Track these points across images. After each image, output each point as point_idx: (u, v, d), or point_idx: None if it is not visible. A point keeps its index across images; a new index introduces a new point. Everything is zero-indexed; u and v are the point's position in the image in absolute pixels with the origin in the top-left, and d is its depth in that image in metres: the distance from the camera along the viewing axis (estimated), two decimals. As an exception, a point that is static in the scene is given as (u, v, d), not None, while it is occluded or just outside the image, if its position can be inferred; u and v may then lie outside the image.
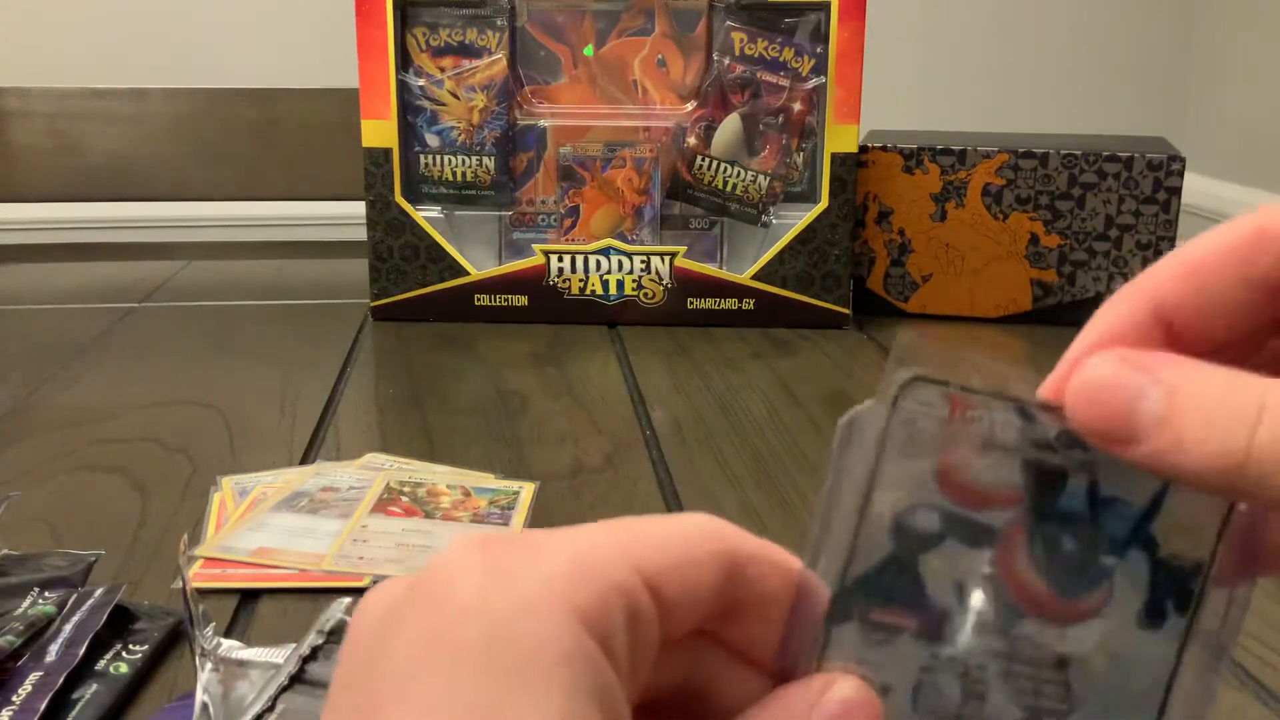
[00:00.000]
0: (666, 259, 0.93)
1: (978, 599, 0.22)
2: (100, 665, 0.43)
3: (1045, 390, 0.23)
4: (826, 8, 0.90)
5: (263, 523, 0.56)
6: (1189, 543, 0.22)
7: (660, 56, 0.93)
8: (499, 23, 0.92)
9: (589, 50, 0.93)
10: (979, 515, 0.22)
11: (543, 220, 0.95)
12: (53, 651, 0.43)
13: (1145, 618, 0.22)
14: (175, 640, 0.46)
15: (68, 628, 0.44)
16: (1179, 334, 0.23)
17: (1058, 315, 0.94)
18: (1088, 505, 0.22)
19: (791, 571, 0.23)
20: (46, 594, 0.46)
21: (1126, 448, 0.21)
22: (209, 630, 0.42)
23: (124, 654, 0.44)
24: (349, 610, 0.44)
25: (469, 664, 0.20)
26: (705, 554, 0.22)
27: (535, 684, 0.19)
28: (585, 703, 0.20)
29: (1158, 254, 0.92)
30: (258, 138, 1.29)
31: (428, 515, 0.57)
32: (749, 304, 0.94)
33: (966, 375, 0.22)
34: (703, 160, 0.93)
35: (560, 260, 0.93)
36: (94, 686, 0.42)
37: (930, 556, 0.22)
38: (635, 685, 0.22)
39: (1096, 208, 0.92)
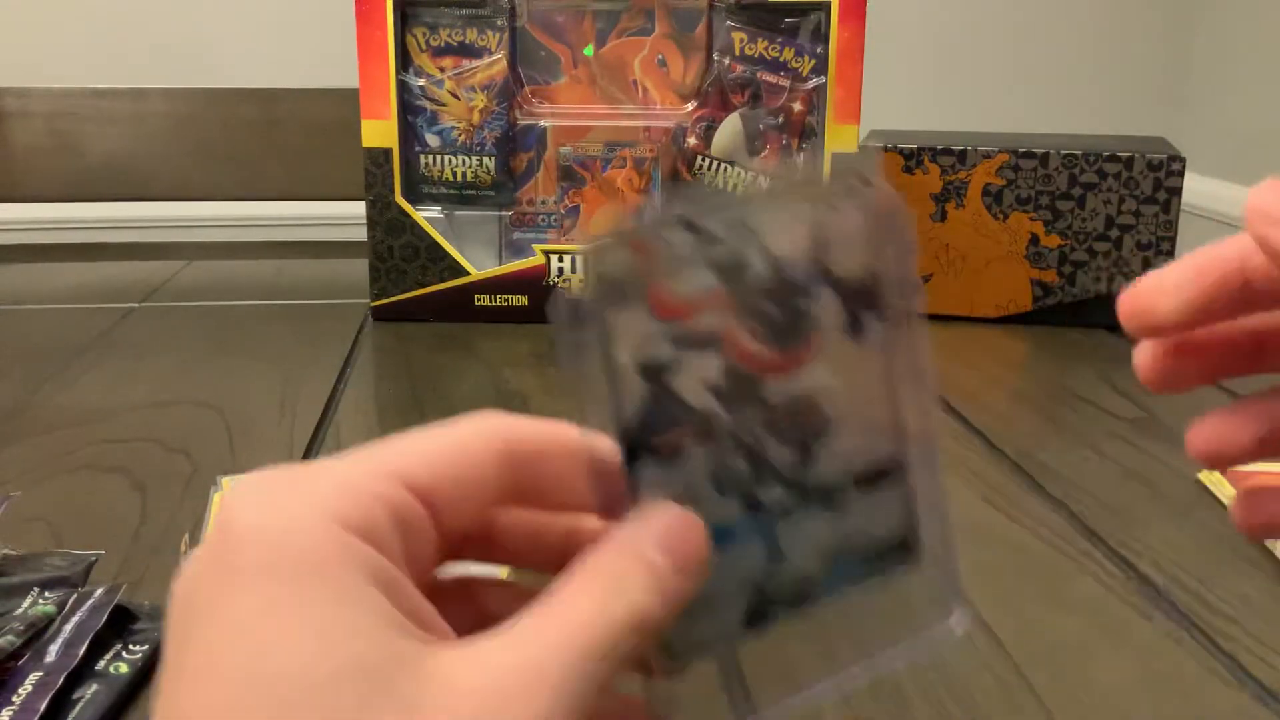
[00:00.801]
0: (666, 259, 0.93)
1: (725, 387, 0.25)
2: (100, 665, 0.43)
3: (1129, 295, 0.28)
4: (826, 8, 0.90)
5: (263, 523, 0.56)
6: (854, 261, 0.26)
7: (660, 56, 0.93)
8: (499, 23, 0.92)
9: (589, 50, 0.93)
10: (697, 324, 0.25)
11: (543, 220, 0.95)
12: (53, 651, 0.43)
13: (850, 331, 0.26)
14: (175, 640, 0.46)
15: (68, 628, 0.44)
16: (1258, 294, 0.28)
17: (1058, 315, 0.94)
18: (771, 271, 0.25)
19: (576, 441, 0.27)
20: (46, 594, 0.46)
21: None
22: (209, 630, 0.42)
23: (124, 654, 0.44)
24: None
25: (254, 578, 0.23)
26: (479, 453, 0.26)
27: (314, 581, 0.23)
28: (362, 585, 0.23)
29: (1158, 254, 0.92)
30: (258, 138, 1.29)
31: (428, 515, 0.57)
32: (749, 304, 0.94)
33: (639, 220, 0.25)
34: (703, 160, 0.93)
35: (560, 260, 0.93)
36: (94, 686, 0.42)
37: (677, 377, 0.25)
38: (422, 574, 0.25)
39: (1097, 208, 0.92)
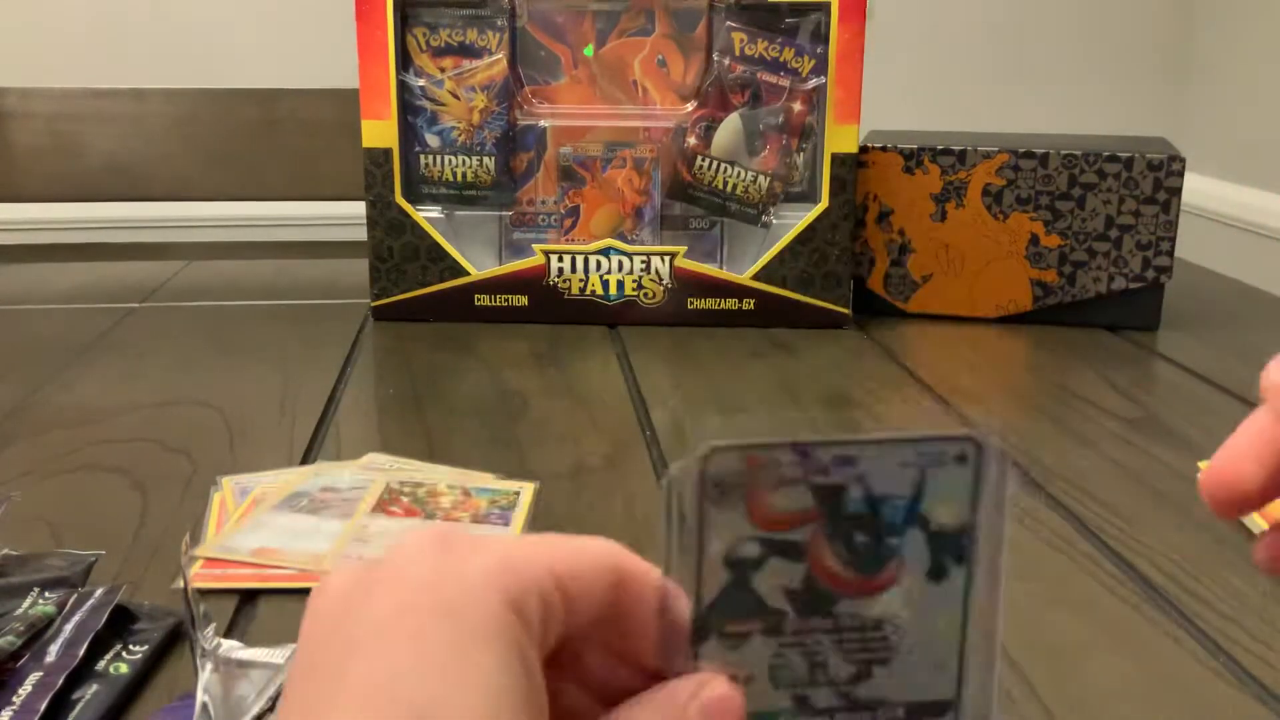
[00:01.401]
0: (666, 259, 0.93)
1: (802, 596, 0.28)
2: (100, 665, 0.43)
3: (1211, 475, 0.30)
4: (826, 8, 0.90)
5: (263, 523, 0.56)
6: (950, 513, 0.28)
7: (660, 56, 0.93)
8: (499, 23, 0.92)
9: (589, 50, 0.93)
10: (788, 535, 0.27)
11: (543, 220, 0.95)
12: (53, 652, 0.43)
13: (932, 575, 0.28)
14: (175, 640, 0.46)
15: (68, 628, 0.44)
16: None
17: (1058, 315, 0.94)
18: (867, 506, 0.28)
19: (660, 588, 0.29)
20: (47, 594, 0.46)
21: None
22: (209, 631, 0.42)
23: (124, 654, 0.44)
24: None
25: (427, 629, 0.25)
26: (601, 567, 0.28)
27: (482, 644, 0.25)
28: (516, 665, 0.25)
29: (1158, 254, 0.92)
30: (258, 138, 1.29)
31: (428, 516, 0.57)
32: (749, 304, 0.94)
33: (754, 434, 0.27)
34: (703, 160, 0.93)
35: (560, 260, 0.93)
36: (94, 687, 0.42)
37: (759, 575, 0.28)
38: (545, 654, 0.27)
39: (1096, 208, 0.92)
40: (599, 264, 0.93)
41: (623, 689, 0.28)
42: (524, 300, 0.94)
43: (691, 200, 0.94)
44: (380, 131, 0.92)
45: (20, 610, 0.45)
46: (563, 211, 0.94)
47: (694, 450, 0.27)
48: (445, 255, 0.93)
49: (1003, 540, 0.29)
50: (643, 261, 0.93)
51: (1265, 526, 0.58)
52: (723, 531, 0.27)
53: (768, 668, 0.28)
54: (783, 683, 0.28)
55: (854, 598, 0.28)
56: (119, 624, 0.46)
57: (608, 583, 0.28)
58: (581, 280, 0.93)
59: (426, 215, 0.94)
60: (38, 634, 0.44)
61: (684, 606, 0.27)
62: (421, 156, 0.93)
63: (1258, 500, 0.29)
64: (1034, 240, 0.93)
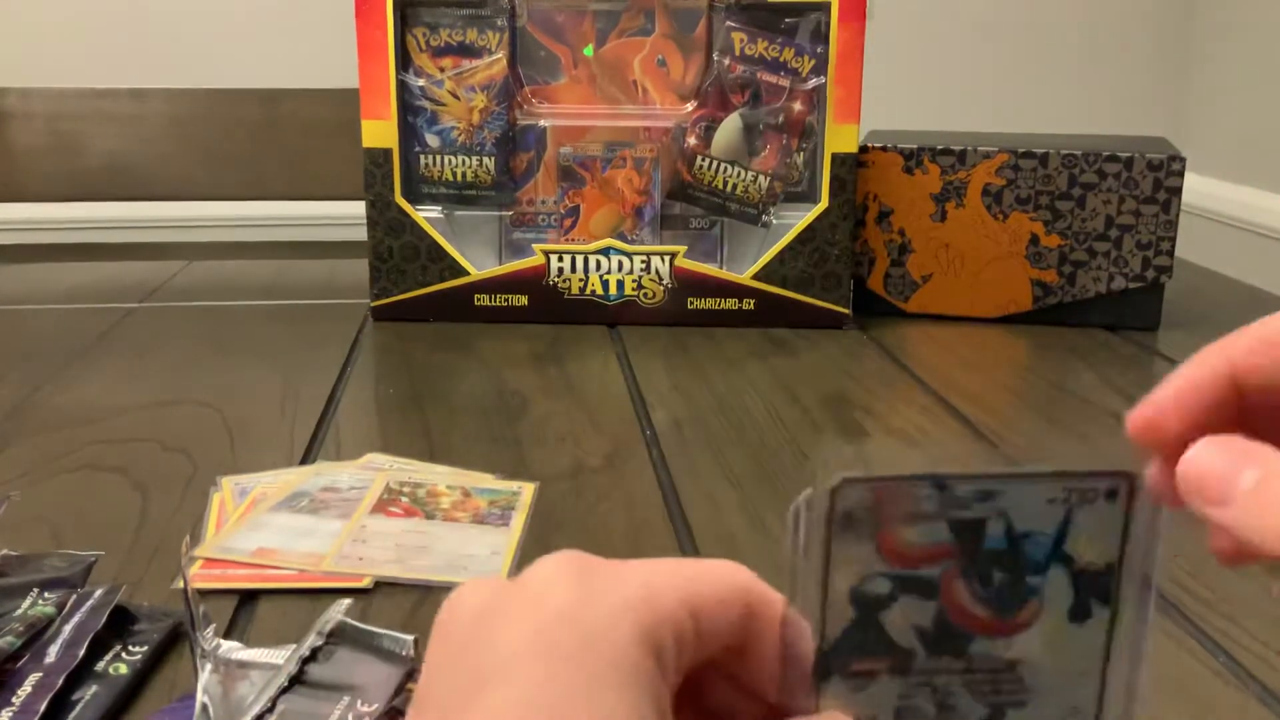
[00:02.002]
0: (666, 259, 0.93)
1: (934, 635, 0.27)
2: (100, 666, 0.43)
3: (1137, 417, 0.28)
4: (826, 8, 0.90)
5: (263, 523, 0.56)
6: (1096, 551, 0.27)
7: (660, 56, 0.93)
8: (499, 23, 0.92)
9: (589, 50, 0.93)
10: (919, 571, 0.26)
11: (543, 220, 0.95)
12: (52, 652, 0.43)
13: (1074, 616, 0.27)
14: (175, 641, 0.46)
15: (67, 628, 0.44)
16: (1246, 399, 0.27)
17: (1058, 315, 0.94)
18: (1007, 543, 0.26)
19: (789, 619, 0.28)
20: (46, 594, 0.46)
21: (1218, 509, 0.26)
22: (209, 631, 0.42)
23: (124, 655, 0.44)
24: (348, 612, 0.44)
25: (565, 660, 0.24)
26: (732, 596, 0.27)
27: (615, 684, 0.24)
28: (648, 705, 0.24)
29: (1158, 254, 0.92)
30: (258, 138, 1.29)
31: (428, 516, 0.57)
32: (749, 304, 0.94)
33: (884, 465, 0.26)
34: (703, 160, 0.93)
35: (560, 260, 0.93)
36: (94, 687, 0.42)
37: (888, 613, 0.26)
38: (674, 692, 0.26)
39: (1096, 208, 0.92)
40: (599, 264, 0.93)
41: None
42: (524, 300, 0.94)
43: (691, 200, 0.94)
44: (380, 131, 0.92)
45: (20, 611, 0.45)
46: (563, 211, 0.94)
47: (822, 479, 0.26)
48: (445, 255, 0.93)
49: (1153, 581, 0.27)
50: (643, 261, 0.93)
51: None
52: (850, 566, 0.26)
53: (894, 710, 0.27)
54: None
55: (989, 638, 0.27)
56: (119, 624, 0.46)
57: (738, 613, 0.27)
58: (581, 280, 0.93)
59: (426, 215, 0.94)
60: (37, 634, 0.44)
61: (809, 641, 0.26)
62: (421, 156, 0.93)
63: (1175, 448, 0.28)
64: (1034, 240, 0.93)
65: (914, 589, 0.26)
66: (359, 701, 0.40)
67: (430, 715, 0.25)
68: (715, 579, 0.27)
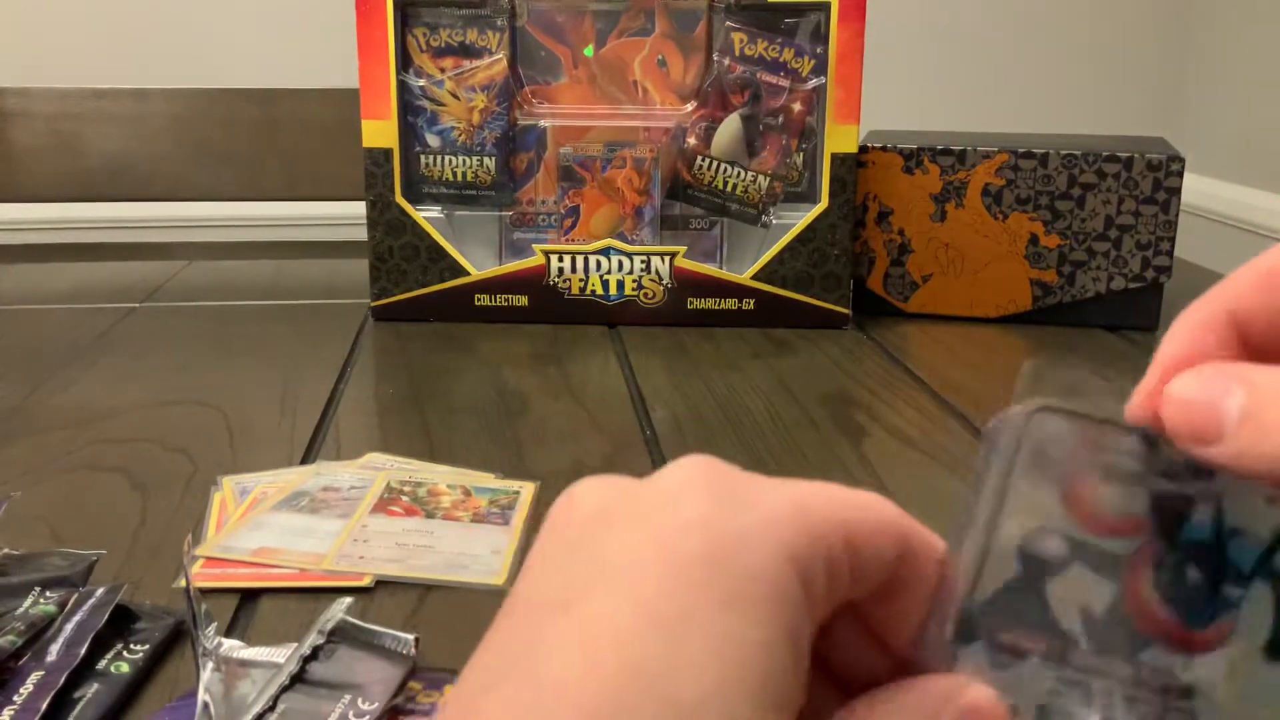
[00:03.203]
0: (666, 259, 0.93)
1: (1103, 625, 0.22)
2: (101, 665, 0.43)
3: (1136, 401, 0.24)
4: (826, 8, 0.90)
5: (263, 522, 0.56)
6: None
7: (660, 57, 0.93)
8: (499, 23, 0.92)
9: (589, 50, 0.93)
10: (1105, 542, 0.22)
11: (543, 220, 0.95)
12: (54, 651, 0.43)
13: (1274, 652, 0.22)
14: (176, 640, 0.46)
15: (69, 627, 0.44)
16: (1253, 340, 0.24)
17: (1058, 315, 0.94)
18: (1213, 535, 0.22)
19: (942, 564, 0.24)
20: (47, 594, 0.46)
21: (1215, 447, 0.22)
22: (210, 630, 0.42)
23: (125, 653, 0.44)
24: (349, 611, 0.44)
25: (688, 574, 0.21)
26: (890, 529, 0.24)
27: (745, 608, 0.21)
28: (781, 637, 0.21)
29: (1158, 254, 0.92)
30: (258, 138, 1.29)
31: (428, 515, 0.57)
32: (749, 304, 0.94)
33: (1094, 403, 0.22)
34: (703, 160, 0.93)
35: (560, 260, 0.93)
36: (95, 686, 0.42)
37: (1056, 581, 0.22)
38: (822, 618, 0.23)
39: (1096, 208, 0.92)
40: (599, 264, 0.93)
41: (866, 676, 0.25)
42: (524, 300, 0.94)
43: (691, 200, 0.94)
44: (380, 131, 0.92)
45: (21, 610, 0.45)
46: (563, 211, 0.94)
47: (1022, 399, 0.22)
48: (445, 255, 0.93)
49: None
50: (643, 261, 0.93)
51: None
52: (1027, 513, 0.22)
53: (1036, 706, 0.22)
54: None
55: (1166, 648, 0.22)
56: (120, 623, 0.46)
57: (894, 549, 0.24)
58: (581, 280, 0.93)
59: (426, 215, 0.94)
60: (39, 633, 0.44)
61: (959, 592, 0.23)
62: (421, 156, 0.93)
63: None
64: (1034, 240, 0.93)
65: (1093, 561, 0.22)
66: (360, 700, 0.40)
67: (520, 618, 0.22)
68: (872, 507, 0.24)
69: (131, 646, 0.45)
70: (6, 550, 0.51)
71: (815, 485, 0.24)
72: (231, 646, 0.42)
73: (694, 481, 0.23)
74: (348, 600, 0.45)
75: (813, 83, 0.91)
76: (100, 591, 0.47)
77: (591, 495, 0.24)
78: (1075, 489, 0.22)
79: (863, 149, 0.94)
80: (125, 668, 0.43)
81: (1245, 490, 0.22)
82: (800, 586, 0.22)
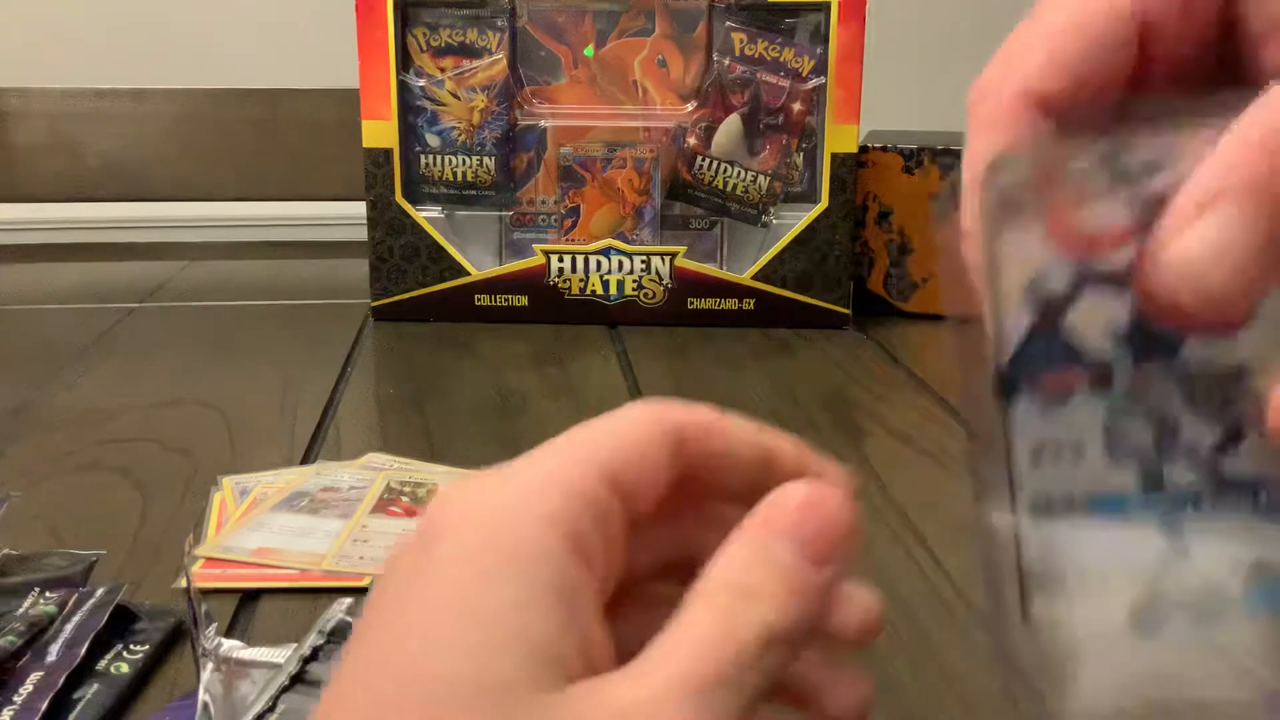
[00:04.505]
0: (666, 259, 0.93)
1: (1133, 339, 0.22)
2: (101, 665, 0.43)
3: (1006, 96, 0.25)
4: (826, 8, 0.90)
5: (263, 522, 0.56)
6: None
7: (660, 57, 0.93)
8: (499, 23, 0.92)
9: (589, 50, 0.93)
10: (1103, 262, 0.22)
11: (543, 220, 0.95)
12: (54, 651, 0.43)
13: None
14: (176, 640, 0.46)
15: (69, 627, 0.44)
16: (1059, 112, 0.24)
17: (1058, 315, 0.94)
18: None
19: (742, 427, 0.27)
20: (47, 594, 0.46)
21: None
22: (211, 630, 0.42)
23: (125, 654, 0.44)
24: (350, 610, 0.44)
25: (455, 566, 0.23)
26: (653, 438, 0.26)
27: (509, 578, 0.23)
28: (550, 594, 0.23)
29: (1157, 254, 0.92)
30: (258, 138, 1.29)
31: (428, 515, 0.57)
32: (749, 304, 0.94)
33: (1046, 143, 0.22)
34: (703, 160, 0.93)
35: (560, 260, 0.93)
36: (95, 686, 0.42)
37: (1073, 313, 0.22)
38: (611, 570, 0.25)
39: (1096, 208, 0.92)
40: (599, 264, 0.93)
41: None
42: (524, 300, 0.94)
43: (691, 200, 0.94)
44: (380, 131, 0.92)
45: (21, 610, 0.45)
46: (563, 211, 0.94)
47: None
48: (445, 255, 0.93)
49: None
50: (643, 261, 0.93)
51: None
52: (1020, 261, 0.22)
53: (1101, 432, 0.22)
54: (1124, 454, 0.22)
55: (1203, 338, 0.22)
56: (120, 624, 0.46)
57: (668, 451, 0.26)
58: (581, 280, 0.93)
59: (426, 215, 0.94)
60: (39, 634, 0.44)
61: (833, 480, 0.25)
62: (421, 156, 0.93)
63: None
64: (1034, 240, 0.93)
65: (1099, 282, 0.22)
66: (360, 700, 0.40)
67: (363, 628, 0.24)
68: (630, 426, 0.26)
69: (131, 647, 0.45)
70: (6, 550, 0.51)
71: (564, 442, 0.26)
72: (231, 647, 0.42)
73: (460, 487, 0.25)
74: (348, 600, 0.45)
75: (813, 83, 0.91)
76: (100, 591, 0.47)
77: (403, 542, 0.26)
78: (1054, 221, 0.22)
79: (863, 149, 0.94)
80: (125, 668, 0.43)
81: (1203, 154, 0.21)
82: (569, 541, 0.23)
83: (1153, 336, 0.22)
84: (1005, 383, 0.23)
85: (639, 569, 0.27)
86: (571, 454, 0.25)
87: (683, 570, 0.26)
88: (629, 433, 0.26)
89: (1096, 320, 0.22)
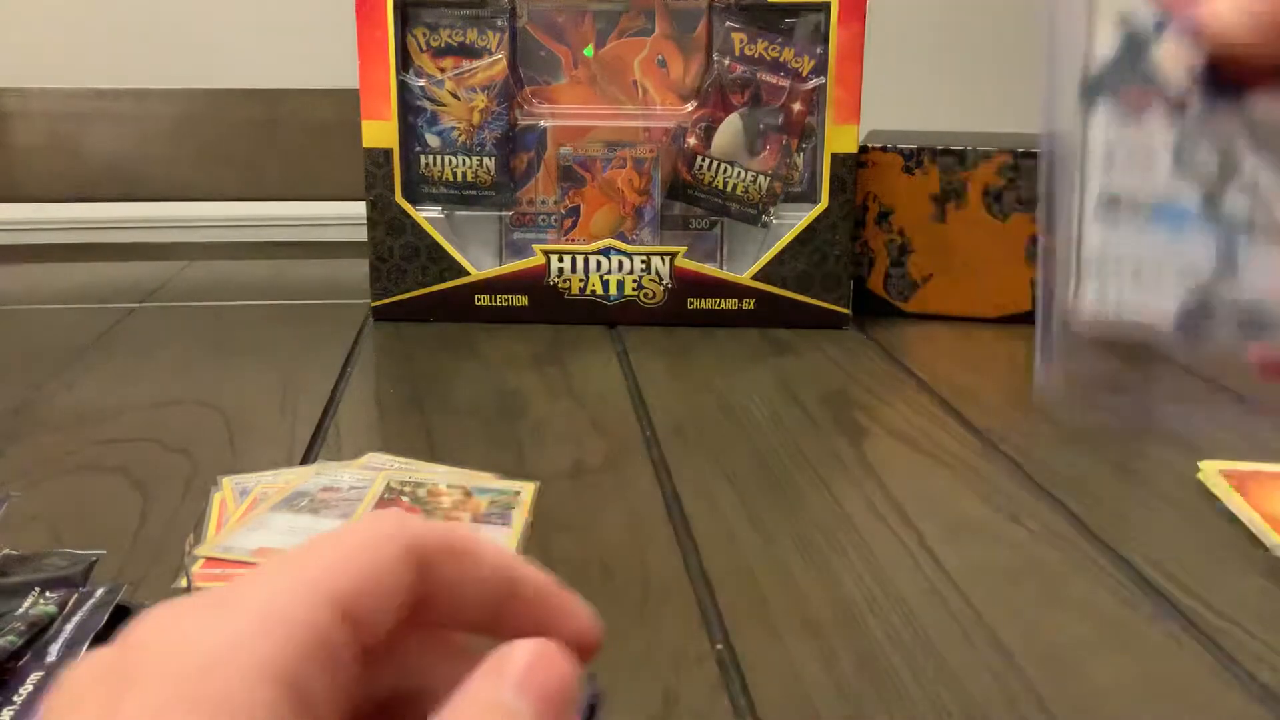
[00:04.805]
0: (666, 259, 0.93)
1: (1208, 79, 0.24)
2: (101, 665, 0.43)
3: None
4: (826, 8, 0.90)
5: (263, 522, 0.56)
6: None
7: (660, 57, 0.93)
8: (499, 23, 0.92)
9: (589, 51, 0.93)
10: (1184, 14, 0.24)
11: (543, 220, 0.95)
12: (54, 651, 0.43)
13: None
14: (176, 640, 0.46)
15: (69, 627, 0.44)
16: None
17: (1058, 315, 0.94)
18: None
19: (490, 552, 0.25)
20: (48, 594, 0.46)
21: None
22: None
23: (125, 654, 0.44)
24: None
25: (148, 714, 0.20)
26: (394, 560, 0.23)
27: None
28: None
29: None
30: (258, 138, 1.29)
31: (428, 515, 0.57)
32: (749, 304, 0.94)
33: None
34: (703, 160, 0.93)
35: (560, 260, 0.93)
36: (95, 686, 0.42)
37: (1157, 45, 0.24)
38: (338, 714, 0.22)
39: (1096, 208, 0.92)
40: (599, 264, 0.93)
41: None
42: (524, 300, 0.94)
43: (691, 200, 0.94)
44: (380, 131, 0.92)
45: (21, 610, 0.45)
46: (563, 211, 0.94)
47: None
48: (445, 255, 0.93)
49: None
50: (643, 261, 0.93)
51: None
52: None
53: (1172, 150, 0.25)
54: (1189, 172, 0.25)
55: (1268, 96, 0.24)
56: (120, 623, 0.46)
57: (408, 571, 0.24)
58: (581, 280, 0.93)
59: (426, 215, 0.94)
60: (39, 633, 0.44)
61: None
62: (421, 156, 0.93)
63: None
64: (1034, 240, 0.93)
65: (1180, 28, 0.24)
66: (360, 700, 0.40)
67: None
68: (367, 545, 0.24)
69: (131, 647, 0.45)
70: (6, 550, 0.51)
71: (291, 563, 0.23)
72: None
73: (154, 627, 0.22)
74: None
75: (813, 83, 0.91)
76: (100, 591, 0.47)
77: (75, 673, 0.22)
78: None
79: (863, 149, 0.94)
80: (125, 668, 0.43)
81: None
82: (287, 687, 0.21)
83: (1220, 84, 0.24)
84: (1090, 87, 0.25)
85: (363, 704, 0.25)
86: (302, 577, 0.23)
87: (407, 702, 0.25)
88: (368, 554, 0.23)
89: (1176, 59, 0.24)
